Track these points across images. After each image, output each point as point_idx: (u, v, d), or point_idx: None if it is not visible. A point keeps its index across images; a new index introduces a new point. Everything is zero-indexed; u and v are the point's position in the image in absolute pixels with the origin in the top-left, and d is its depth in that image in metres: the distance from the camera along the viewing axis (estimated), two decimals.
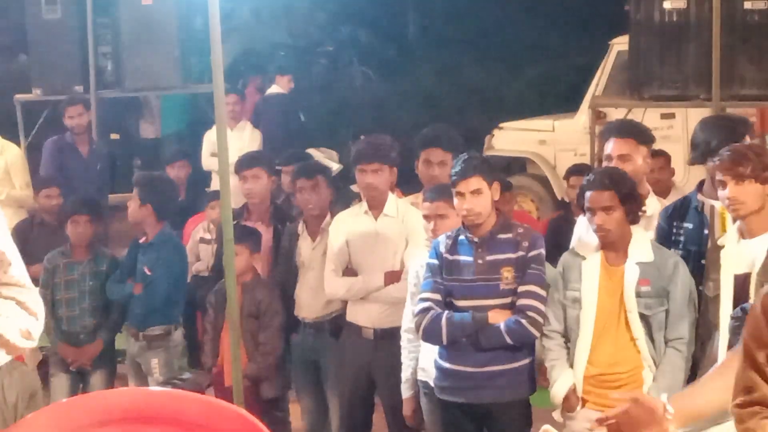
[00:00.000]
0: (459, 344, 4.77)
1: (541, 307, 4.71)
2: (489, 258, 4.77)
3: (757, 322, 2.60)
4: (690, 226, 4.94)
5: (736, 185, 4.45)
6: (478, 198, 4.74)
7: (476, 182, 4.73)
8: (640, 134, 5.13)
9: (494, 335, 4.69)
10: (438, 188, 5.13)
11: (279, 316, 5.95)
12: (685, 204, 5.02)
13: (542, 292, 4.73)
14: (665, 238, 5.00)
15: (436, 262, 4.84)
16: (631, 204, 4.64)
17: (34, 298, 3.00)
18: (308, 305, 5.91)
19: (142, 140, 12.51)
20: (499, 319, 4.70)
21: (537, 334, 4.72)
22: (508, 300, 4.74)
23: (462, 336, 4.74)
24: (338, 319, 5.80)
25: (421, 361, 5.16)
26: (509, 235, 4.79)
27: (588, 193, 4.67)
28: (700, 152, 4.99)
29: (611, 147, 5.08)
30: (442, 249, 4.84)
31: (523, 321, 4.68)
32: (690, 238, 4.93)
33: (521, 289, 4.72)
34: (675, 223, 5.02)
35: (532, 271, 4.73)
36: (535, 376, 4.92)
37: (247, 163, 6.57)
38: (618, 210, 4.62)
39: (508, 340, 4.69)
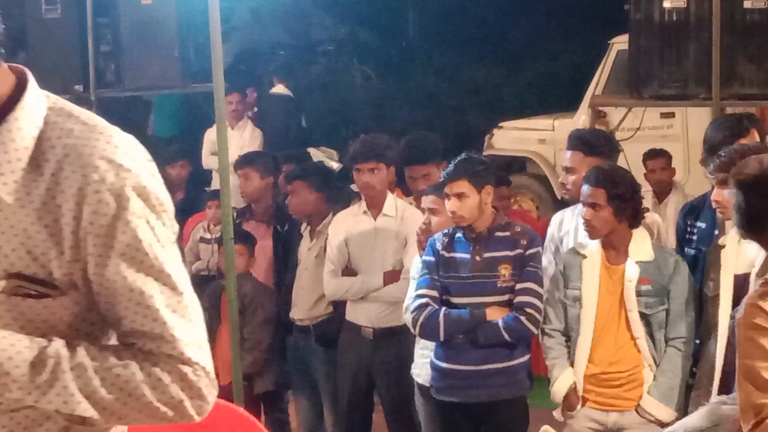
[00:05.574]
0: (455, 343, 4.78)
1: (539, 304, 4.73)
2: (486, 255, 4.77)
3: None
4: (703, 225, 4.95)
5: (718, 189, 4.46)
6: (463, 201, 4.76)
7: (461, 186, 4.76)
8: (589, 147, 5.11)
9: (492, 332, 4.70)
10: (438, 185, 5.15)
11: (262, 310, 5.94)
12: (701, 203, 5.02)
13: (540, 290, 4.75)
14: (681, 236, 5.02)
15: (432, 259, 4.85)
16: (619, 205, 4.62)
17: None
18: (298, 306, 5.90)
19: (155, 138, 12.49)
20: (497, 315, 4.71)
21: (535, 331, 4.74)
22: (504, 297, 4.75)
23: (459, 332, 4.75)
24: (324, 325, 5.80)
25: (414, 362, 5.16)
26: (507, 233, 4.81)
27: (583, 187, 4.71)
28: (705, 153, 5.04)
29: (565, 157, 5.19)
30: (439, 246, 4.85)
31: (522, 318, 4.70)
32: (701, 237, 4.93)
33: (519, 286, 4.73)
34: (689, 222, 5.03)
35: (529, 269, 4.75)
36: (531, 375, 4.93)
37: (240, 162, 6.69)
38: (605, 209, 4.61)
39: (506, 337, 4.70)
